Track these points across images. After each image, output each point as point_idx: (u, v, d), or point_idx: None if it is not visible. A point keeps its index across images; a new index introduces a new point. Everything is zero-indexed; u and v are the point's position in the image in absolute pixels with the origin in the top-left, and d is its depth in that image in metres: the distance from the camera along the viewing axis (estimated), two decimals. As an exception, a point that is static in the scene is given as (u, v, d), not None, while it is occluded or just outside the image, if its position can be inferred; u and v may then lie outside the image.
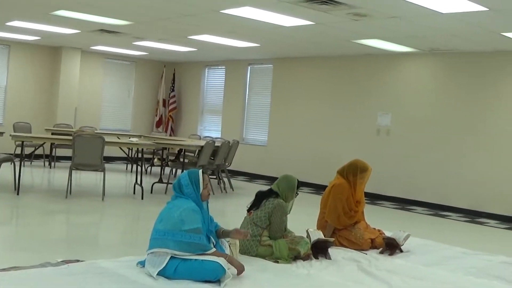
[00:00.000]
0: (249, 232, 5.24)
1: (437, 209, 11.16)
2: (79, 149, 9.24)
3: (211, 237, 5.06)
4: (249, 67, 15.39)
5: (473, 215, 10.65)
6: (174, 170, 12.89)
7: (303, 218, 7.43)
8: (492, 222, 10.18)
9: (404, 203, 11.66)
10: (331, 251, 6.14)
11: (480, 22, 8.31)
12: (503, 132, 10.54)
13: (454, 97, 11.24)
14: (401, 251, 6.67)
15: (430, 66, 11.74)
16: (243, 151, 13.79)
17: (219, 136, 15.13)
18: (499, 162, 10.56)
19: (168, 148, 13.31)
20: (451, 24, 8.58)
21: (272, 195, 5.98)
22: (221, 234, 5.23)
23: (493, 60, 10.69)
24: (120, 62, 16.75)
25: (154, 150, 13.15)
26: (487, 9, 7.35)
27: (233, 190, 11.82)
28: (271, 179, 5.94)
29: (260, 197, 6.01)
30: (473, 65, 10.98)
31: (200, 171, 5.08)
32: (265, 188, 6.19)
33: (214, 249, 4.84)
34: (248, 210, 6.00)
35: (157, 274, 4.67)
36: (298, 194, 6.20)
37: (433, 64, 11.68)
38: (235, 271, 4.88)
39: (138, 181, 10.09)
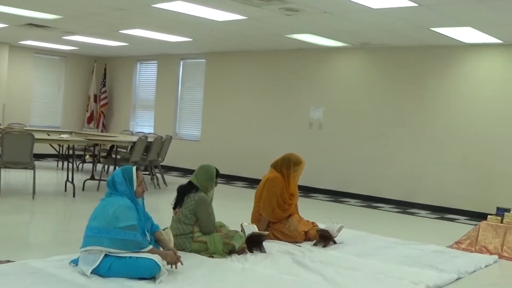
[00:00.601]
0: (180, 263, 5.01)
1: (370, 200, 11.35)
2: (8, 147, 8.99)
3: (147, 234, 5.01)
4: (181, 62, 15.29)
5: (404, 206, 10.88)
6: (106, 166, 12.70)
7: (238, 212, 7.45)
8: (423, 212, 10.42)
9: (337, 196, 11.82)
10: (266, 244, 6.18)
11: (410, 17, 8.47)
12: (432, 124, 10.80)
13: (384, 91, 11.45)
14: (335, 242, 6.78)
15: (362, 61, 11.92)
16: (176, 146, 13.70)
17: (152, 131, 14.99)
18: (429, 154, 10.82)
19: (100, 144, 13.11)
20: (381, 19, 8.73)
21: (192, 190, 5.94)
22: (158, 240, 5.18)
23: (423, 55, 10.93)
24: (49, 57, 16.38)
25: (85, 146, 12.94)
26: (417, 5, 7.50)
27: (166, 185, 11.74)
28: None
29: (182, 193, 5.97)
30: (404, 59, 11.20)
31: (134, 168, 5.03)
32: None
33: (150, 247, 4.80)
34: (174, 208, 5.97)
35: (91, 273, 4.61)
36: (217, 183, 6.18)
37: (364, 59, 11.86)
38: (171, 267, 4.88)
39: (70, 179, 9.90)
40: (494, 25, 8.61)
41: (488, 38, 9.44)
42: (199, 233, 5.81)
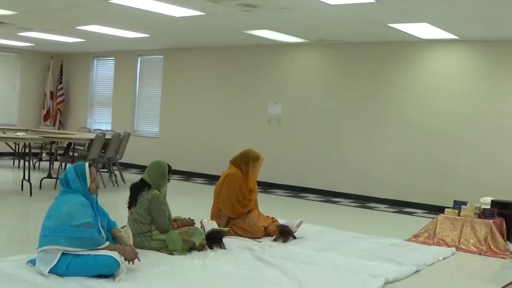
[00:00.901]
0: (138, 260, 4.97)
1: (328, 195, 11.43)
2: (-39, 145, 8.83)
3: (102, 231, 4.95)
4: (139, 58, 15.16)
5: (362, 200, 10.98)
6: (63, 164, 12.55)
7: (197, 209, 7.42)
8: (381, 206, 10.53)
9: (296, 191, 11.87)
10: (226, 240, 6.18)
11: (367, 13, 8.53)
12: (389, 119, 10.91)
13: (342, 86, 11.53)
14: (295, 237, 6.81)
15: (319, 57, 11.97)
16: (134, 143, 13.59)
17: (110, 128, 14.85)
18: (386, 149, 10.94)
19: (57, 142, 12.93)
20: (339, 15, 8.78)
21: (145, 187, 5.90)
22: (116, 237, 5.12)
23: (380, 51, 11.03)
24: (4, 53, 16.08)
25: (42, 144, 12.75)
26: (374, 1, 7.56)
27: (125, 183, 11.63)
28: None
29: (135, 191, 5.92)
30: (361, 55, 11.29)
31: (87, 164, 4.96)
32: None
33: (107, 243, 4.75)
34: (129, 208, 5.91)
35: (49, 272, 4.54)
36: (170, 179, 6.15)
37: (322, 55, 11.91)
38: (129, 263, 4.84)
39: (26, 177, 9.75)
40: (450, 21, 8.73)
41: (444, 34, 9.57)
42: (157, 231, 5.78)
